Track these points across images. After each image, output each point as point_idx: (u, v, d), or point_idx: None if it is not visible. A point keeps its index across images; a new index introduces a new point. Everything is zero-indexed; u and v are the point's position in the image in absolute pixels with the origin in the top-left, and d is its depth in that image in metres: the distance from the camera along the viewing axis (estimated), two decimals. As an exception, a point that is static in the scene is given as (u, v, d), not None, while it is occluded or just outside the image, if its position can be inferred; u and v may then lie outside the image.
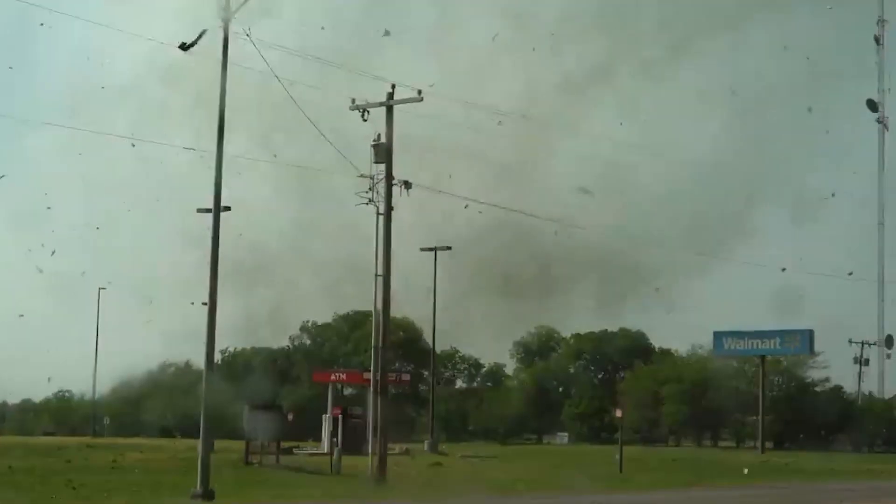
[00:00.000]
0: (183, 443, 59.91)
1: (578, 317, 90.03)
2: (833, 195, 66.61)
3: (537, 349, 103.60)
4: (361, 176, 37.79)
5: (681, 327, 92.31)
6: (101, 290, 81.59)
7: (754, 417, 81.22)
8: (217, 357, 56.56)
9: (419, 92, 38.22)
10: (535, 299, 68.67)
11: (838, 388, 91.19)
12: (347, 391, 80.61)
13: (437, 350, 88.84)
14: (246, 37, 31.57)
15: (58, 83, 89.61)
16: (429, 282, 63.22)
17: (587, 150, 56.03)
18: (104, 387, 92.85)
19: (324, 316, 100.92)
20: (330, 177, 43.00)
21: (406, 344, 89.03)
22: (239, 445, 48.54)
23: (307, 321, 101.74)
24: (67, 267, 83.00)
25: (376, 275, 38.98)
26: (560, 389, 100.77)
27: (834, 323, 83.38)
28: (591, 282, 61.96)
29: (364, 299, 49.15)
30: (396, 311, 65.60)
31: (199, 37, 30.38)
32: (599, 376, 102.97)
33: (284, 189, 50.31)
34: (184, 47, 30.36)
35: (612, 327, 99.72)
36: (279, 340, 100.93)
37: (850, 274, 72.11)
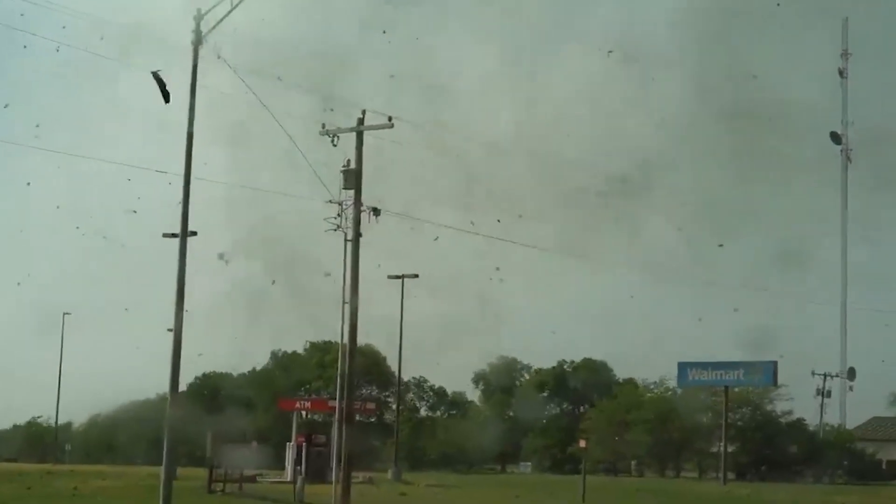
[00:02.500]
0: (145, 470, 59.40)
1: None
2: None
3: (497, 380, 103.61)
4: (330, 202, 37.72)
5: (644, 357, 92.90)
6: (66, 315, 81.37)
7: (717, 448, 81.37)
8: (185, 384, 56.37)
9: (389, 118, 38.14)
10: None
11: (800, 420, 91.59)
12: (312, 417, 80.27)
13: (405, 377, 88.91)
14: (217, 59, 31.69)
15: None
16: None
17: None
18: (75, 414, 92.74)
19: (296, 344, 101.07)
20: (297, 202, 42.92)
21: (369, 369, 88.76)
22: (202, 473, 48.18)
23: (278, 349, 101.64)
24: (42, 294, 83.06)
25: (343, 302, 38.81)
26: (523, 419, 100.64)
27: (797, 355, 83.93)
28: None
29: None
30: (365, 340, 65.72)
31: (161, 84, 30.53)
32: (562, 407, 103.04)
33: (250, 214, 50.17)
34: (156, 74, 30.46)
35: (575, 358, 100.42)
36: (246, 366, 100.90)
37: None
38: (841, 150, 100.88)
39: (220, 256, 40.50)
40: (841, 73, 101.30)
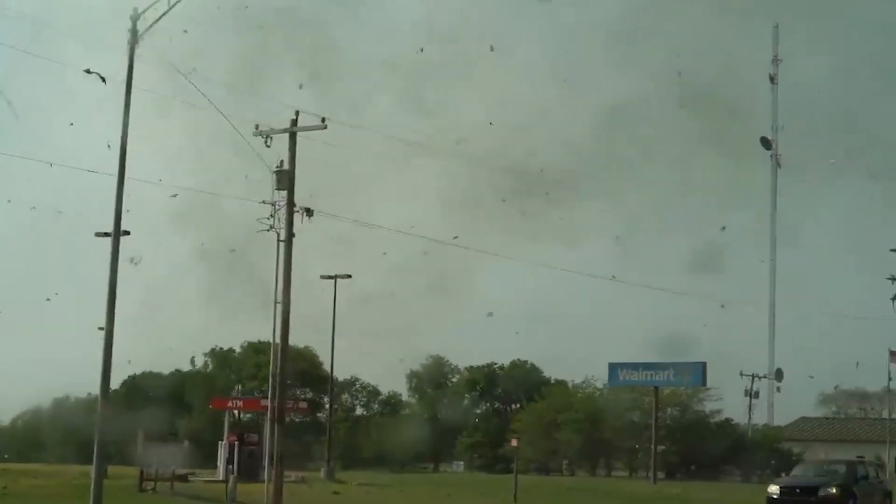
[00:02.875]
0: (77, 469, 59.06)
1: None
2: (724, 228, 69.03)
3: (428, 379, 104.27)
4: (263, 202, 37.92)
5: (575, 358, 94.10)
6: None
7: (648, 446, 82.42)
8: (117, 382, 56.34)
9: (322, 119, 38.39)
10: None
11: (729, 420, 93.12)
12: (246, 417, 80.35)
13: (339, 377, 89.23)
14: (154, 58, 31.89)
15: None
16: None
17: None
18: (2, 412, 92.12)
19: (234, 342, 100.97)
20: (231, 202, 43.10)
21: (305, 371, 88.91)
22: (134, 472, 48.10)
23: (216, 346, 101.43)
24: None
25: (275, 302, 39.01)
26: (455, 419, 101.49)
27: (726, 356, 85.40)
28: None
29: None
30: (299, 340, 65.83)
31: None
32: (494, 406, 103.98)
33: (186, 213, 50.23)
34: (89, 70, 30.55)
35: (504, 360, 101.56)
36: (183, 365, 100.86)
37: None
38: (771, 155, 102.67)
39: (132, 260, 40.54)
40: (772, 78, 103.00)
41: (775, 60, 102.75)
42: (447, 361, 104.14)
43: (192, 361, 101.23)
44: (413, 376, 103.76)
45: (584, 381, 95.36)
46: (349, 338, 67.80)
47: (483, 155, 59.37)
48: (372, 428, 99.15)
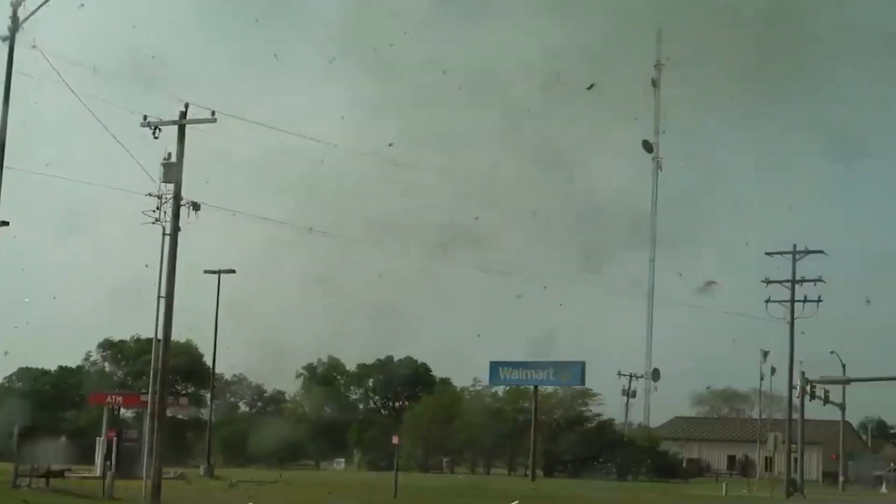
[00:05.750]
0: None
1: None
2: None
3: (322, 376, 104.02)
4: (149, 195, 37.53)
5: (459, 358, 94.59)
6: None
7: (527, 447, 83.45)
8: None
9: (213, 113, 38.12)
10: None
11: (610, 421, 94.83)
12: (127, 414, 79.26)
13: (227, 376, 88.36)
14: (33, 48, 31.31)
15: None
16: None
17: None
18: None
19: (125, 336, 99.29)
20: (115, 194, 42.61)
21: (188, 367, 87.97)
22: (7, 468, 47.14)
23: (106, 339, 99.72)
24: None
25: (159, 296, 38.61)
26: (342, 416, 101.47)
27: (605, 355, 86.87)
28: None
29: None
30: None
31: None
32: (382, 404, 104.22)
33: (67, 205, 49.50)
34: None
35: (398, 355, 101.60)
36: (74, 360, 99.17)
37: None
38: (653, 158, 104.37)
39: None
40: (654, 83, 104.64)
41: (658, 65, 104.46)
42: (340, 361, 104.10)
43: (88, 356, 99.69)
44: (302, 374, 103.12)
45: (472, 384, 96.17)
46: (239, 333, 67.48)
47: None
48: (256, 425, 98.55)
